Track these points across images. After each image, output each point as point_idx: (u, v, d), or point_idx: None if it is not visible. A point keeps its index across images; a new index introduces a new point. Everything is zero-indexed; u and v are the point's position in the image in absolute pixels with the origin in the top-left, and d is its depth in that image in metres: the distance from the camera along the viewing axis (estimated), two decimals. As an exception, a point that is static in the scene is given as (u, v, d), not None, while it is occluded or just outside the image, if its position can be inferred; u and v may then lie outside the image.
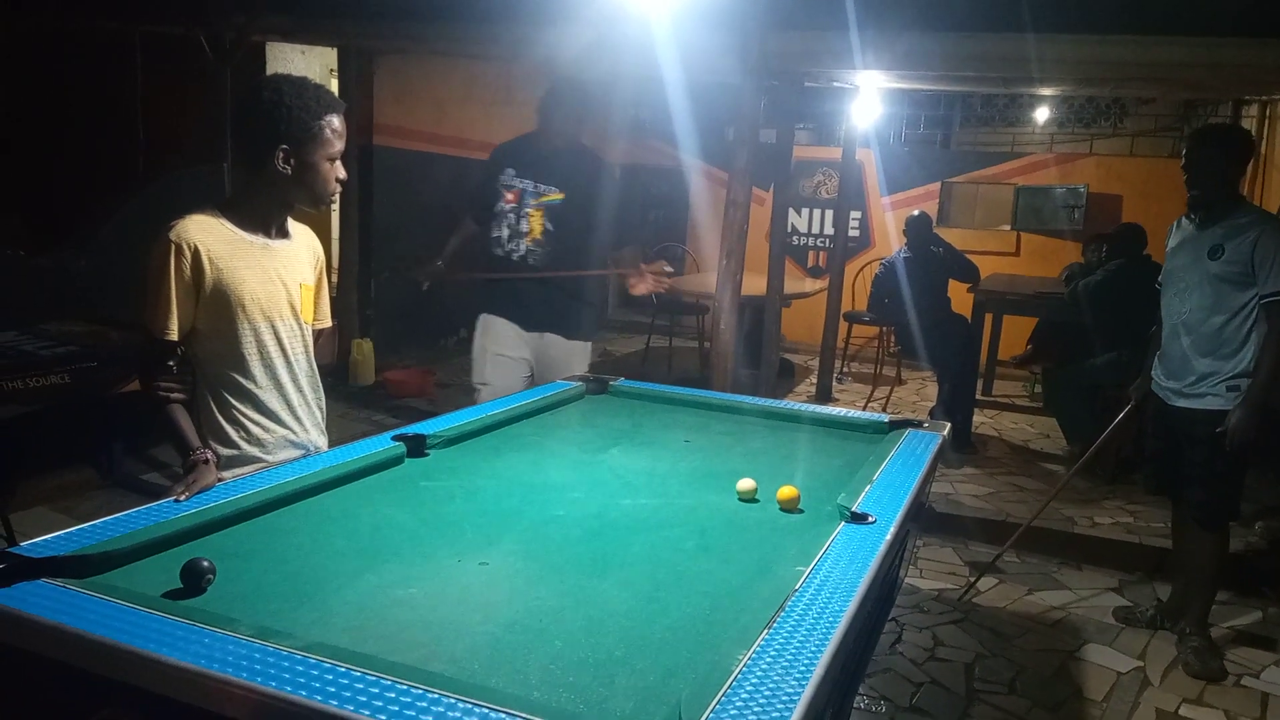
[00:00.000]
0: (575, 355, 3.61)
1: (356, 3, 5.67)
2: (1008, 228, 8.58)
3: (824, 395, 6.89)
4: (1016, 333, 7.40)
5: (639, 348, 8.23)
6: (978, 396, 6.47)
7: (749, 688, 1.17)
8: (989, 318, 6.43)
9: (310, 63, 7.66)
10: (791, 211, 8.96)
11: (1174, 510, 3.55)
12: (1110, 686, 3.13)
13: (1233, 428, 3.07)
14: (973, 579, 3.84)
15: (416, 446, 2.26)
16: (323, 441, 2.32)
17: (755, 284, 5.47)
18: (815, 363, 7.31)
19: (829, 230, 9.03)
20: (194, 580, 1.44)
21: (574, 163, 3.52)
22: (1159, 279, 3.46)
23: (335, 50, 6.83)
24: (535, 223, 3.47)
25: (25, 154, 6.07)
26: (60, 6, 5.64)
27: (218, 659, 1.17)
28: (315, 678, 1.14)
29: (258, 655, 1.18)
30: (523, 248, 3.49)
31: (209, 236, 2.03)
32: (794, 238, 9.18)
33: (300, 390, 2.23)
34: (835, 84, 6.44)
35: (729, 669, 1.21)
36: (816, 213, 9.26)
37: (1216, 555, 3.28)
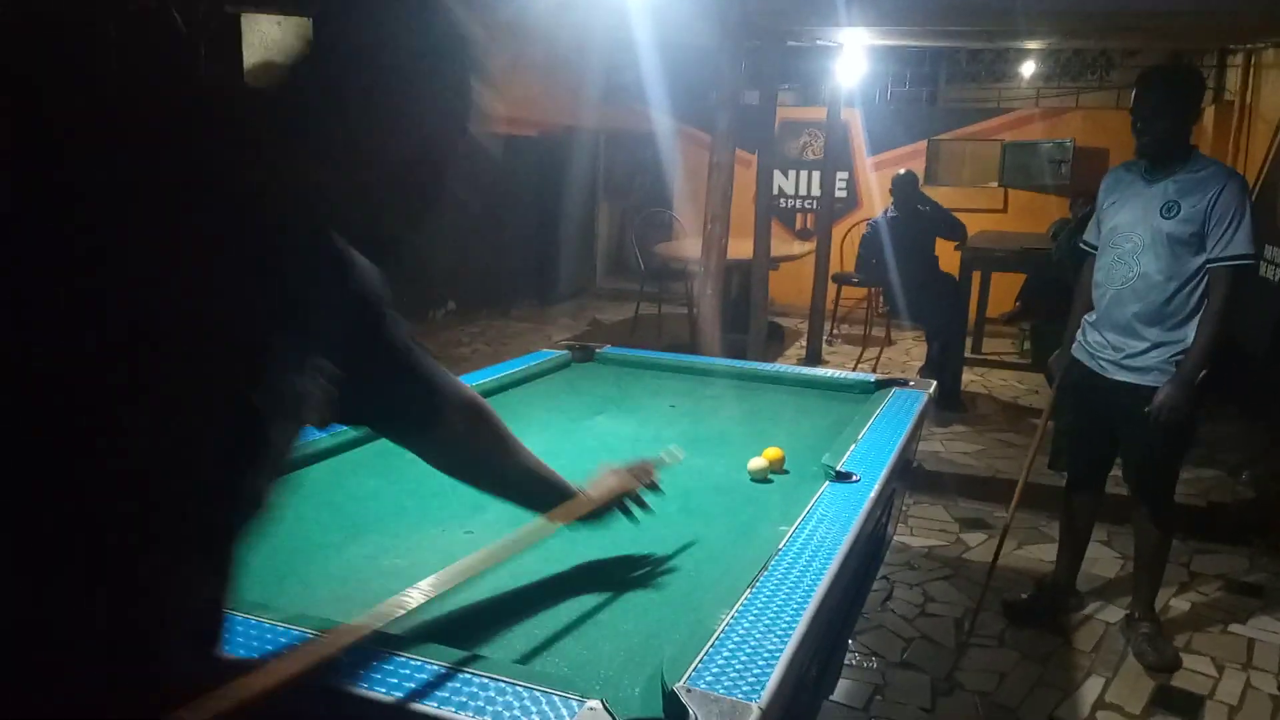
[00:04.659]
0: None
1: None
2: (995, 184, 8.55)
3: (814, 358, 6.89)
4: (1005, 290, 7.40)
5: (628, 316, 8.21)
6: (967, 354, 6.48)
7: (730, 647, 1.17)
8: (977, 275, 6.43)
9: (286, 34, 7.56)
10: (778, 174, 8.91)
11: (1071, 492, 3.31)
12: (1099, 637, 3.17)
13: (1158, 404, 2.77)
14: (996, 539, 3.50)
15: (401, 418, 2.25)
16: None
17: (743, 248, 5.44)
18: (805, 326, 7.30)
19: (816, 192, 8.99)
20: (175, 557, 1.44)
21: None
22: (1085, 240, 3.13)
23: (310, 20, 6.73)
24: None
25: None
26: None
27: (199, 634, 1.16)
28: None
29: (239, 628, 1.18)
30: None
31: None
32: (781, 200, 9.13)
33: None
34: (818, 42, 6.38)
35: (711, 629, 1.21)
36: (803, 174, 9.20)
37: (1165, 539, 3.05)
